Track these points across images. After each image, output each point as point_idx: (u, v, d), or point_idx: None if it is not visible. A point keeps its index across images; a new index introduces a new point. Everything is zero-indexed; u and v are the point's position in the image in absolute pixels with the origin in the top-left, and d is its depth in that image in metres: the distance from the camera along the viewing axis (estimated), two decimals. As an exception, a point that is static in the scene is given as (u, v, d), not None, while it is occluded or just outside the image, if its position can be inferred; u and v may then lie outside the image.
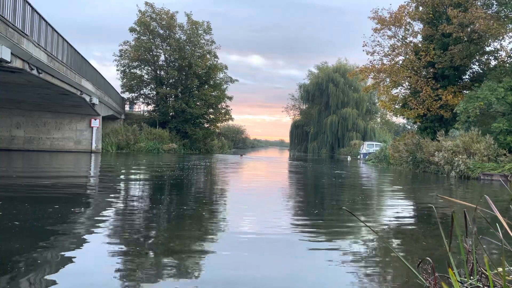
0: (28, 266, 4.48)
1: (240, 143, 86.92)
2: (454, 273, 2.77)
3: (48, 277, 4.22)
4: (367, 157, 41.82)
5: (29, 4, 15.93)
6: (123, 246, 5.49)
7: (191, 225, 7.10)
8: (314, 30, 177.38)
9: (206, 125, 47.64)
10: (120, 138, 37.48)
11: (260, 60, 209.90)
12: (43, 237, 5.74)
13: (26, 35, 15.43)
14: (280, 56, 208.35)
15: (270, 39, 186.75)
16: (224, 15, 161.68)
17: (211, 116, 47.34)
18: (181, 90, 44.99)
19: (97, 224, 6.82)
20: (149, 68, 45.49)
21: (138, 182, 14.47)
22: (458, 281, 2.72)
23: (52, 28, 19.18)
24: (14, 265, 4.44)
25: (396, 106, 31.66)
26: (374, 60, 30.73)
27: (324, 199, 12.05)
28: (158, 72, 45.61)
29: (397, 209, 10.36)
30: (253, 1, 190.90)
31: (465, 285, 2.66)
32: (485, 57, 27.99)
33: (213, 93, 45.25)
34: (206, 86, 45.01)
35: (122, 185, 13.62)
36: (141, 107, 49.91)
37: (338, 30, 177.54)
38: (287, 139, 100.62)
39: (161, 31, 43.70)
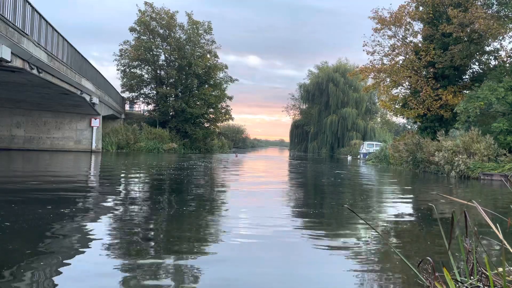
0: (21, 267, 4.49)
1: (240, 143, 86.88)
2: (454, 273, 2.78)
3: (44, 278, 4.23)
4: (367, 157, 41.84)
5: (30, 4, 15.93)
6: (118, 247, 5.49)
7: (191, 225, 7.10)
8: (311, 31, 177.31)
9: (206, 125, 47.63)
10: (120, 138, 37.48)
11: (257, 61, 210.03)
12: (36, 238, 5.73)
13: (26, 34, 15.43)
14: (277, 57, 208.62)
15: (267, 40, 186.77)
16: (219, 16, 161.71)
17: (211, 116, 47.32)
18: (181, 90, 44.99)
19: (92, 224, 6.82)
20: (149, 68, 45.49)
21: (136, 182, 14.47)
22: (458, 280, 2.72)
23: (52, 27, 19.18)
24: (6, 267, 4.44)
25: (396, 106, 31.68)
26: (374, 60, 30.77)
27: (324, 198, 12.05)
28: (158, 71, 45.62)
29: (397, 209, 10.37)
30: (248, 2, 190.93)
31: (465, 285, 2.66)
32: (485, 57, 28.00)
33: (213, 93, 45.25)
34: (206, 86, 45.01)
35: (120, 186, 13.62)
36: (141, 107, 50.00)
37: (334, 31, 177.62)
38: (287, 138, 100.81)
39: (161, 31, 43.69)
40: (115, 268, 4.51)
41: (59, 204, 8.29)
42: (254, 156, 48.18)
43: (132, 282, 4.13)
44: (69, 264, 4.63)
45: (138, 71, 45.34)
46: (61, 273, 4.32)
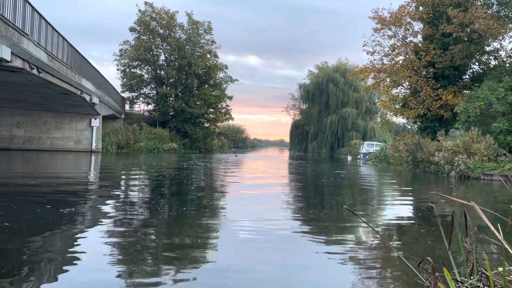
0: (20, 268, 4.48)
1: (240, 143, 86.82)
2: (454, 272, 2.77)
3: (43, 279, 4.22)
4: (367, 156, 41.84)
5: (30, 4, 15.92)
6: (117, 248, 5.49)
7: (190, 227, 7.09)
8: (311, 31, 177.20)
9: (206, 125, 47.61)
10: (120, 138, 37.47)
11: (257, 61, 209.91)
12: (35, 239, 5.73)
13: (26, 34, 15.42)
14: (276, 57, 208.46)
15: (267, 40, 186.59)
16: (219, 16, 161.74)
17: (211, 116, 47.32)
18: (181, 90, 45.00)
19: (91, 225, 6.82)
20: (149, 68, 45.49)
21: (136, 183, 14.46)
22: (458, 280, 2.72)
23: (52, 27, 19.17)
24: (5, 267, 4.44)
25: (396, 106, 31.68)
26: (374, 60, 30.79)
27: (324, 198, 12.05)
28: (158, 71, 45.63)
29: (397, 209, 10.37)
30: (248, 2, 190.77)
31: (465, 285, 2.66)
32: (485, 57, 28.00)
33: (213, 93, 45.25)
34: (206, 86, 45.01)
35: (119, 186, 13.62)
36: (141, 107, 50.00)
37: (334, 31, 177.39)
38: (287, 138, 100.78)
39: (161, 31, 43.70)
40: (114, 269, 4.51)
41: (58, 204, 8.28)
42: (254, 156, 48.17)
43: (131, 283, 4.13)
44: (68, 265, 4.62)
45: (138, 71, 45.37)
46: (60, 274, 4.32)
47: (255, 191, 12.88)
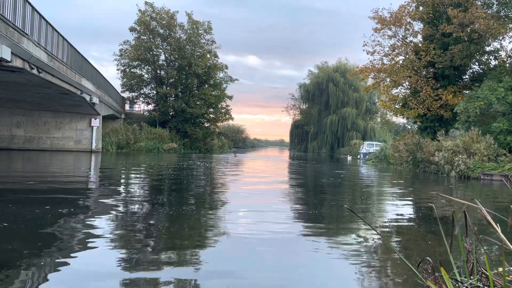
0: (19, 268, 4.48)
1: (240, 143, 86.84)
2: (454, 273, 2.77)
3: (42, 279, 4.22)
4: (367, 156, 41.85)
5: (30, 4, 15.92)
6: (117, 248, 5.49)
7: (191, 224, 7.09)
8: (311, 31, 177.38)
9: (206, 125, 47.64)
10: (120, 138, 37.49)
11: (256, 61, 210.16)
12: (34, 239, 5.72)
13: (26, 34, 15.42)
14: (276, 57, 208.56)
15: (266, 40, 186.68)
16: (218, 16, 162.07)
17: (211, 116, 47.35)
18: (181, 90, 45.03)
19: (90, 225, 6.81)
20: (149, 68, 45.50)
21: (135, 183, 14.46)
22: (458, 280, 2.72)
23: (52, 27, 19.17)
24: (4, 267, 4.44)
25: (396, 106, 31.69)
26: (374, 60, 30.80)
27: (324, 198, 12.05)
28: (158, 71, 45.64)
29: (397, 209, 10.37)
30: (248, 2, 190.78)
31: (465, 285, 2.66)
32: (485, 57, 28.00)
33: (213, 93, 45.27)
34: (206, 86, 45.03)
35: (119, 186, 13.62)
36: (141, 107, 50.03)
37: (334, 31, 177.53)
38: (287, 138, 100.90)
39: (161, 31, 43.71)
40: (113, 269, 4.51)
41: (57, 204, 8.27)
42: (254, 156, 48.18)
43: (130, 284, 4.13)
44: (67, 265, 4.62)
45: (138, 71, 45.37)
46: (59, 274, 4.32)
47: (255, 192, 12.87)
